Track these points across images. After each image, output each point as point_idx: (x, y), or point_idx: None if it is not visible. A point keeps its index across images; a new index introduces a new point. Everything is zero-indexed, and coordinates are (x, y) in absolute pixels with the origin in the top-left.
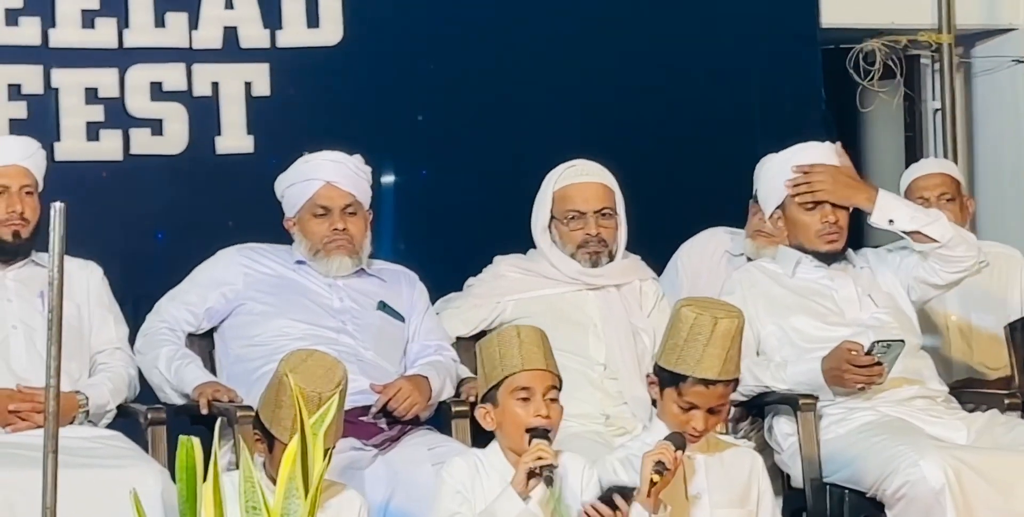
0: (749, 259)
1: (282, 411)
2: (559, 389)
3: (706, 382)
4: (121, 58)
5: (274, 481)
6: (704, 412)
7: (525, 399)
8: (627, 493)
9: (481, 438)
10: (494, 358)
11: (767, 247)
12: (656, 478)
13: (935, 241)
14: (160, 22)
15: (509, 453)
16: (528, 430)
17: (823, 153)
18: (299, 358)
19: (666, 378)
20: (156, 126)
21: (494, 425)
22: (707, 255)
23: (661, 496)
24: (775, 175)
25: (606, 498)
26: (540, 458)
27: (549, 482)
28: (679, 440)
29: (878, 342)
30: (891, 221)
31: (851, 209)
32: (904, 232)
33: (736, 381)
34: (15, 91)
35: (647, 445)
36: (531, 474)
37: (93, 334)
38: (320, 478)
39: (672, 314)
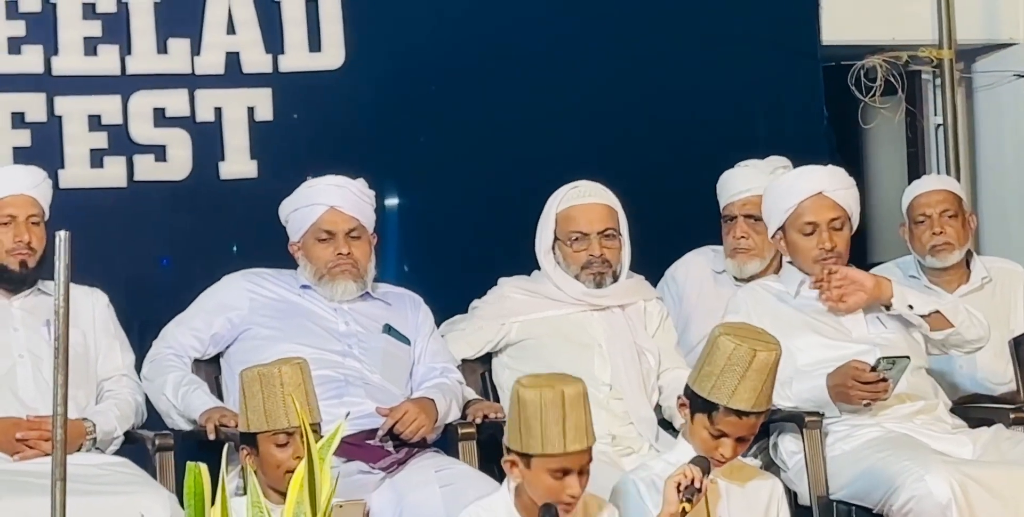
0: (735, 278)
1: (253, 402)
2: (591, 460)
3: (739, 413)
4: (124, 85)
5: (277, 492)
6: (733, 440)
7: (559, 478)
8: (705, 466)
9: (487, 461)
10: (532, 423)
11: (748, 262)
12: (688, 507)
13: (951, 326)
14: (162, 48)
15: (523, 500)
16: (543, 505)
17: (826, 176)
18: (257, 365)
19: (699, 404)
20: (160, 152)
21: (520, 480)
22: (692, 276)
23: None
24: (779, 197)
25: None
26: None
27: None
28: (705, 464)
29: (883, 358)
30: (911, 306)
31: (852, 231)
32: (922, 316)
33: (768, 412)
34: (19, 119)
35: (670, 465)
36: None
37: (99, 361)
38: (328, 502)
39: (709, 340)
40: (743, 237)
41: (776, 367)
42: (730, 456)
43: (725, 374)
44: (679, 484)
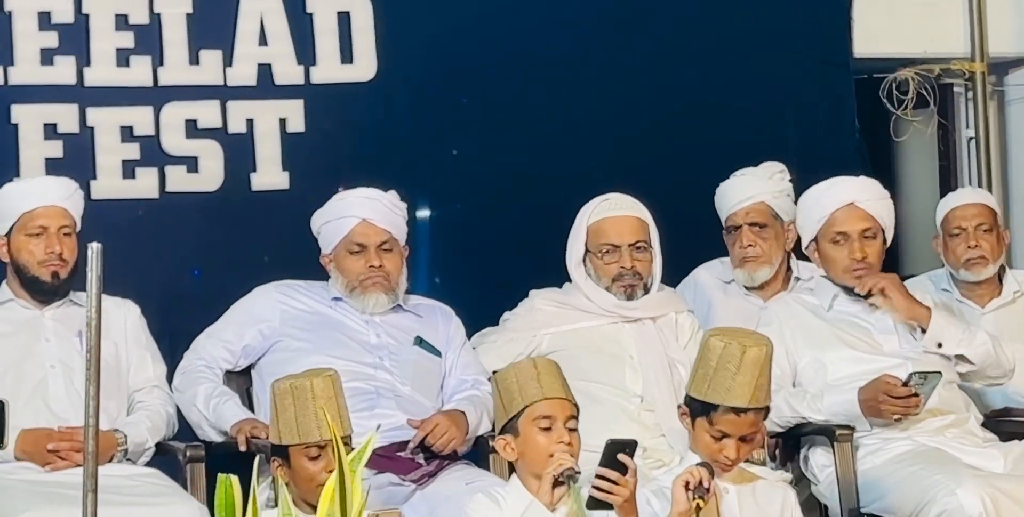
0: (746, 287)
1: (285, 415)
2: (577, 419)
3: (737, 410)
4: (156, 96)
5: (309, 504)
6: (736, 441)
7: (547, 428)
8: (630, 450)
9: None
10: (512, 389)
11: (758, 270)
12: (702, 503)
13: (973, 364)
14: (194, 60)
15: (531, 484)
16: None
17: (857, 187)
18: (288, 377)
19: (697, 408)
20: (192, 163)
21: (515, 455)
22: (702, 290)
23: None
24: (811, 208)
25: (609, 460)
26: (561, 463)
27: (572, 481)
28: (708, 468)
29: (915, 373)
30: (940, 344)
31: (887, 244)
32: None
33: (767, 409)
34: (51, 130)
35: None
36: (556, 483)
37: (131, 372)
38: (359, 514)
39: (701, 344)
40: (751, 245)
41: (769, 363)
42: (735, 458)
43: (718, 373)
44: (687, 483)
